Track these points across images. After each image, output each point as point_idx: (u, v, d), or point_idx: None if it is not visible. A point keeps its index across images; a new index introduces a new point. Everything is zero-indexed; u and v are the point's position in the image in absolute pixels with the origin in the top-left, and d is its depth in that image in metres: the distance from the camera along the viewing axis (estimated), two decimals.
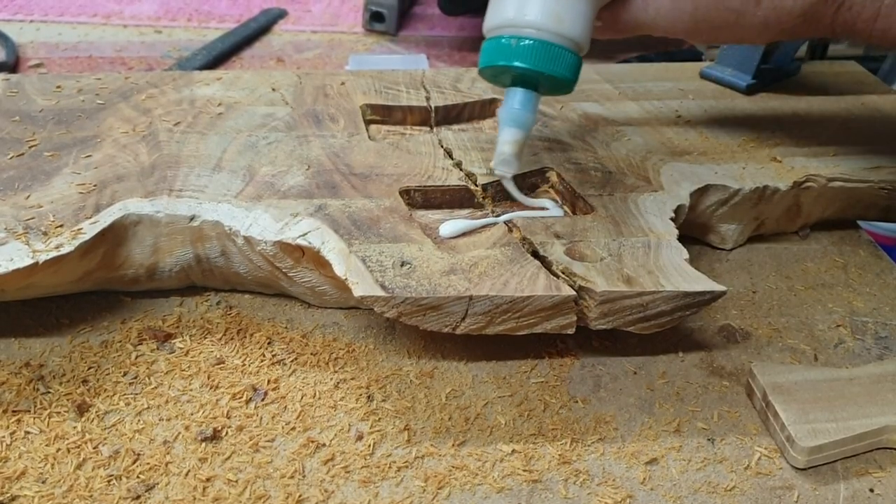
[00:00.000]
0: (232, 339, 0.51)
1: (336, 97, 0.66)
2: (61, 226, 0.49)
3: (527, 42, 0.49)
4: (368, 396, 0.47)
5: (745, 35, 0.52)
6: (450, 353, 0.51)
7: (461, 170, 0.57)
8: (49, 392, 0.46)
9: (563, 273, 0.48)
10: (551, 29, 0.49)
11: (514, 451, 0.45)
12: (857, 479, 0.44)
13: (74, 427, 0.44)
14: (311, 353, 0.50)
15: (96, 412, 0.45)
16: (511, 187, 0.53)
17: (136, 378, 0.48)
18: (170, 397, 0.47)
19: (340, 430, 0.45)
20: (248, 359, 0.49)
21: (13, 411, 0.45)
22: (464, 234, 0.52)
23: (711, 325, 0.54)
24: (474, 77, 0.71)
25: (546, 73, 0.49)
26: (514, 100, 0.51)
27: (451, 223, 0.52)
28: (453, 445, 0.45)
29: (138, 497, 0.41)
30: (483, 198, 0.56)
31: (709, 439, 0.46)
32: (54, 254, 0.47)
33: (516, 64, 0.49)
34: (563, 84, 0.51)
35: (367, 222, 0.50)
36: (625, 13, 0.52)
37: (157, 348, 0.50)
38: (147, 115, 0.62)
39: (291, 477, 0.42)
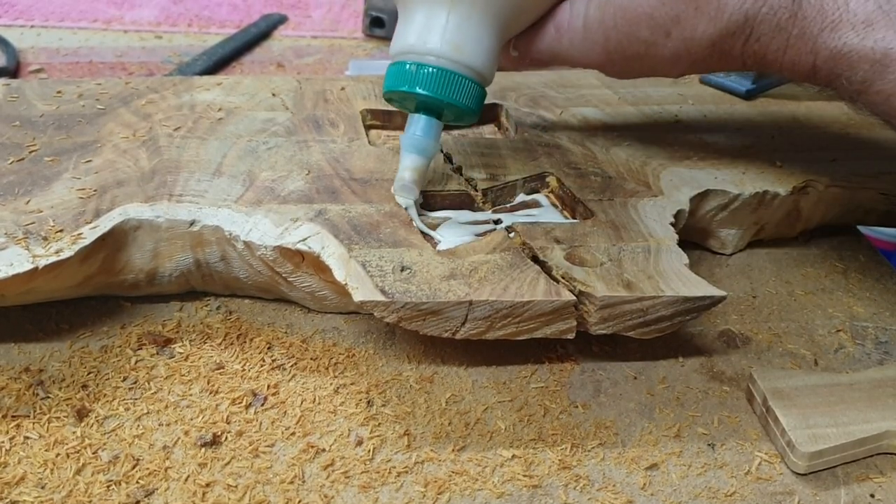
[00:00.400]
0: (232, 344, 0.51)
1: (336, 102, 0.66)
2: (61, 231, 0.49)
3: (428, 70, 0.50)
4: (368, 401, 0.47)
5: (657, 67, 0.52)
6: (450, 358, 0.51)
7: (461, 174, 0.57)
8: (48, 397, 0.46)
9: (563, 278, 0.48)
10: (452, 58, 0.49)
11: (514, 456, 0.45)
12: (857, 484, 0.44)
13: (74, 432, 0.44)
14: (311, 358, 0.50)
15: (96, 417, 0.45)
16: (413, 214, 0.53)
17: (135, 383, 0.48)
18: (169, 402, 0.47)
19: (340, 435, 0.45)
20: (247, 364, 0.49)
21: (13, 416, 0.45)
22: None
23: (711, 331, 0.54)
24: None
25: (446, 102, 0.50)
26: (417, 127, 0.52)
27: (449, 239, 0.51)
28: (453, 450, 0.45)
29: (138, 502, 0.41)
30: (483, 202, 0.56)
31: (709, 444, 0.46)
32: (54, 259, 0.47)
33: (418, 90, 0.50)
34: (464, 113, 0.52)
35: (367, 227, 0.50)
36: (539, 42, 0.53)
37: (157, 353, 0.50)
38: (147, 120, 0.62)
39: (291, 482, 0.42)
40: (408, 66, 0.50)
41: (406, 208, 0.53)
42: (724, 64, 0.50)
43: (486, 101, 0.66)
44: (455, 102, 0.50)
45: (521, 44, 0.54)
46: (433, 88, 0.50)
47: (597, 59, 0.52)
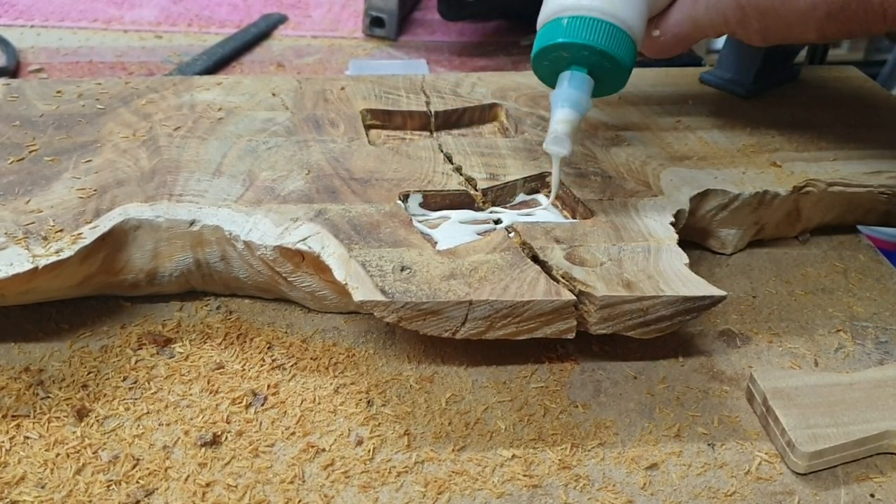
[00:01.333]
0: (232, 343, 0.51)
1: (336, 102, 0.66)
2: (61, 231, 0.49)
3: (588, 20, 0.49)
4: (368, 401, 0.47)
5: (793, 24, 0.51)
6: (450, 357, 0.51)
7: (461, 174, 0.57)
8: (49, 397, 0.46)
9: (563, 278, 0.48)
10: (609, 11, 0.49)
11: (514, 456, 0.45)
12: (857, 484, 0.44)
13: (74, 432, 0.44)
14: (311, 358, 0.50)
15: (96, 417, 0.45)
16: (556, 170, 0.53)
17: (135, 383, 0.48)
18: (169, 402, 0.47)
19: (340, 435, 0.45)
20: (247, 364, 0.49)
21: (13, 416, 0.45)
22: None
23: (711, 330, 0.54)
24: (474, 82, 0.71)
25: (605, 51, 0.49)
26: (570, 81, 0.51)
27: (448, 239, 0.51)
28: (453, 450, 0.45)
29: (138, 502, 0.41)
30: (483, 202, 0.56)
31: (709, 444, 0.46)
32: (54, 259, 0.47)
33: (576, 40, 0.49)
34: (619, 68, 0.51)
35: (367, 227, 0.50)
36: (677, 13, 0.54)
37: (157, 353, 0.50)
38: (147, 120, 0.62)
39: (291, 482, 0.42)
40: (565, 20, 0.50)
41: (554, 160, 0.53)
42: (862, 14, 0.49)
43: (486, 101, 0.66)
44: (613, 53, 0.49)
45: (661, 21, 0.55)
46: (592, 37, 0.49)
47: (733, 18, 0.52)
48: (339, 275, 0.46)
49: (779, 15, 0.51)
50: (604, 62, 0.50)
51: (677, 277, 0.48)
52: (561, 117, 0.51)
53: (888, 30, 0.49)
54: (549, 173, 0.58)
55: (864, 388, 0.47)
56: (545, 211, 0.56)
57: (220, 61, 0.89)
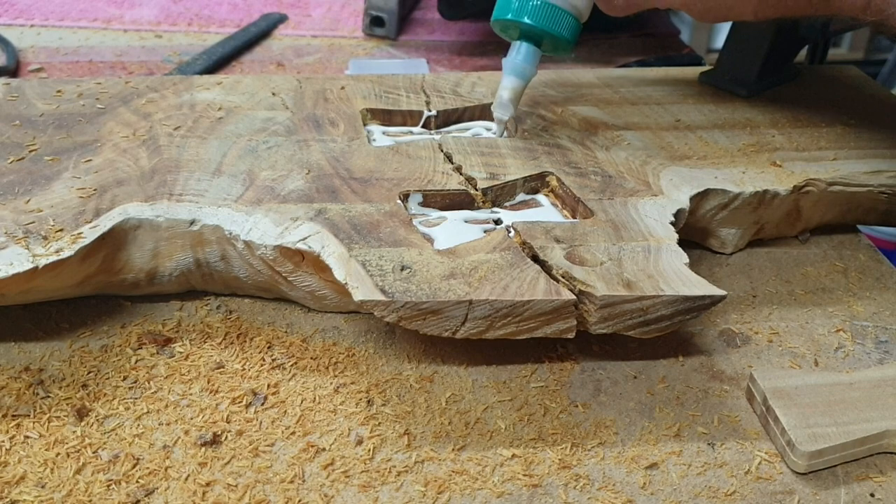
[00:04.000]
0: (232, 343, 0.51)
1: (336, 101, 0.66)
2: (61, 230, 0.49)
3: (533, 2, 0.58)
4: (368, 401, 0.47)
5: (731, 2, 0.56)
6: (450, 357, 0.51)
7: (461, 174, 0.57)
8: (49, 396, 0.46)
9: (563, 277, 0.47)
10: None
11: (514, 455, 0.45)
12: (857, 483, 0.44)
13: (74, 431, 0.44)
14: (311, 358, 0.50)
15: (96, 417, 0.45)
16: (499, 128, 0.63)
17: (135, 382, 0.48)
18: (169, 402, 0.47)
19: (340, 434, 0.45)
20: (247, 363, 0.49)
21: (13, 416, 0.45)
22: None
23: (711, 330, 0.54)
24: (474, 81, 0.71)
25: (548, 32, 0.58)
26: (518, 52, 0.61)
27: (448, 238, 0.52)
28: (453, 450, 0.45)
29: (138, 502, 0.41)
30: (482, 201, 0.56)
31: (709, 444, 0.46)
32: (54, 258, 0.47)
33: (524, 20, 0.58)
34: (561, 43, 0.59)
35: (367, 227, 0.50)
36: None
37: (157, 353, 0.50)
38: (147, 119, 0.62)
39: (291, 482, 0.42)
40: (515, 1, 0.59)
41: (497, 123, 0.63)
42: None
43: (486, 101, 0.66)
44: (554, 32, 0.58)
45: None
46: (536, 18, 0.58)
47: None
48: (339, 274, 0.46)
49: None
50: (546, 37, 0.59)
51: (677, 277, 0.48)
52: (507, 84, 0.61)
53: (815, 13, 0.53)
54: (550, 172, 0.58)
55: (864, 388, 0.47)
56: (544, 209, 0.56)
57: (220, 61, 0.89)
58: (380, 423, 0.46)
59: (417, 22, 1.03)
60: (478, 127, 0.67)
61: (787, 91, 0.73)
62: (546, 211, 0.56)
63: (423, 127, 0.66)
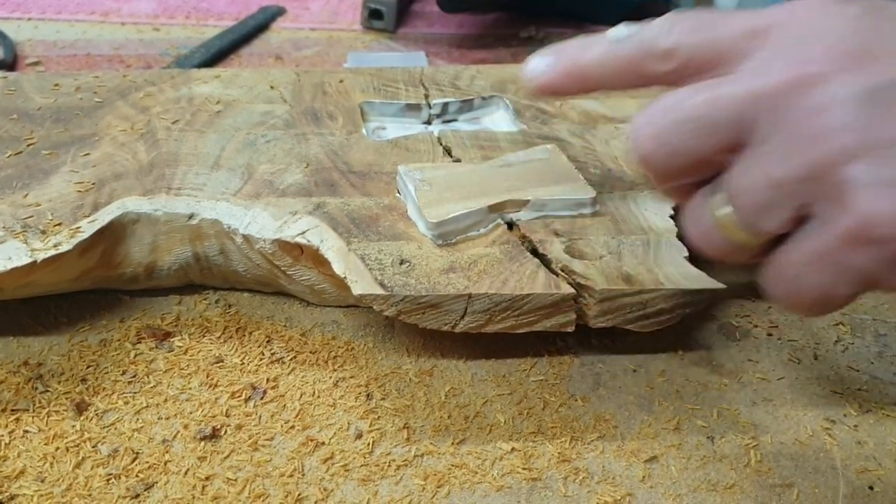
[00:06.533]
0: (231, 337, 0.51)
1: (335, 95, 0.66)
2: (59, 224, 0.49)
3: None
4: (367, 395, 0.47)
5: None
6: (449, 351, 0.51)
7: None
8: (48, 391, 0.46)
9: (563, 271, 0.47)
10: None
11: (513, 449, 0.45)
12: (856, 476, 0.44)
13: (73, 426, 0.44)
14: (310, 352, 0.50)
15: (95, 411, 0.45)
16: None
17: (134, 377, 0.48)
18: (169, 396, 0.47)
19: (340, 428, 0.45)
20: (246, 357, 0.49)
21: (12, 410, 0.45)
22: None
23: (711, 323, 0.54)
24: (473, 74, 0.71)
25: None
26: None
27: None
28: (453, 444, 0.45)
29: (137, 496, 0.41)
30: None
31: (708, 437, 0.46)
32: (52, 252, 0.47)
33: None
34: None
35: (366, 220, 0.50)
36: None
37: (156, 347, 0.50)
38: (145, 113, 0.61)
39: (290, 475, 0.42)
40: None
41: None
42: None
43: (485, 94, 0.66)
44: None
45: None
46: None
47: None
48: (338, 268, 0.46)
49: None
50: None
51: (677, 271, 0.48)
52: None
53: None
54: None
55: (495, 171, 0.53)
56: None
57: (218, 54, 0.88)
58: (379, 417, 0.46)
59: (416, 15, 1.03)
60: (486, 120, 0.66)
61: None
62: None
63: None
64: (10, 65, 0.83)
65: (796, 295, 0.36)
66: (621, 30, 0.40)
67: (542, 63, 0.42)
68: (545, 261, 0.48)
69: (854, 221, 0.32)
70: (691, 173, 0.38)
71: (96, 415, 0.45)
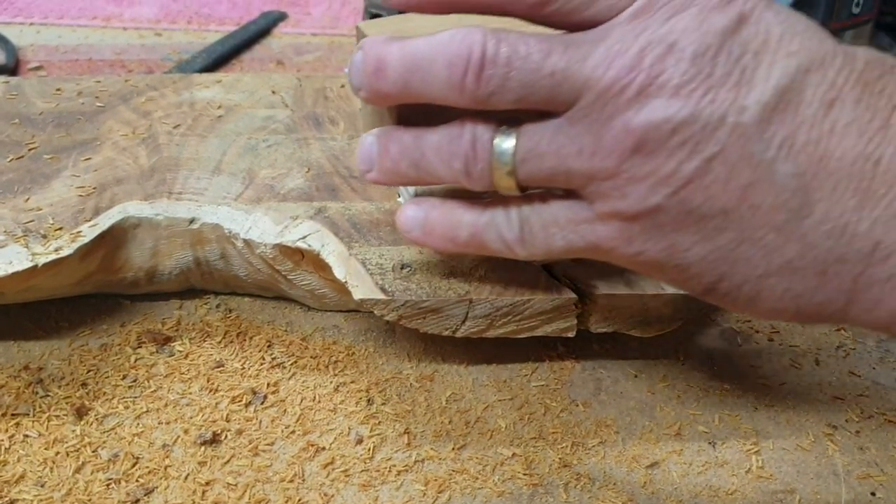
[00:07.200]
0: (231, 342, 0.51)
1: (336, 100, 0.66)
2: (60, 229, 0.49)
3: None
4: (368, 400, 0.47)
5: None
6: (450, 356, 0.50)
7: None
8: (48, 395, 0.46)
9: (564, 276, 0.47)
10: None
11: (514, 454, 0.44)
12: (858, 482, 0.44)
13: (73, 430, 0.44)
14: (311, 357, 0.50)
15: (95, 415, 0.45)
16: None
17: (135, 381, 0.47)
18: (169, 401, 0.46)
19: (340, 433, 0.45)
20: (247, 362, 0.49)
21: (12, 415, 0.45)
22: None
23: (712, 328, 0.54)
24: None
25: None
26: None
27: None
28: (453, 449, 0.45)
29: (137, 501, 0.41)
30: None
31: (710, 443, 0.46)
32: (53, 257, 0.46)
33: None
34: None
35: (367, 225, 0.50)
36: None
37: (157, 351, 0.50)
38: (147, 117, 0.61)
39: (291, 481, 0.42)
40: None
41: None
42: None
43: None
44: None
45: None
46: None
47: None
48: (338, 273, 0.46)
49: None
50: None
51: None
52: None
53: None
54: None
55: None
56: None
57: (219, 59, 0.89)
58: (380, 422, 0.46)
59: None
60: None
61: None
62: None
63: None
64: (12, 69, 0.83)
65: (527, 243, 0.40)
66: None
67: None
68: (546, 265, 0.48)
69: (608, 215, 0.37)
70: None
71: (96, 419, 0.45)
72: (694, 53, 0.34)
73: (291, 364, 0.49)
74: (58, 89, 0.66)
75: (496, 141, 0.38)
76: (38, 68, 0.85)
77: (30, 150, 0.57)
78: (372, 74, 0.39)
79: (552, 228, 0.39)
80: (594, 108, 0.35)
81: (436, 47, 0.37)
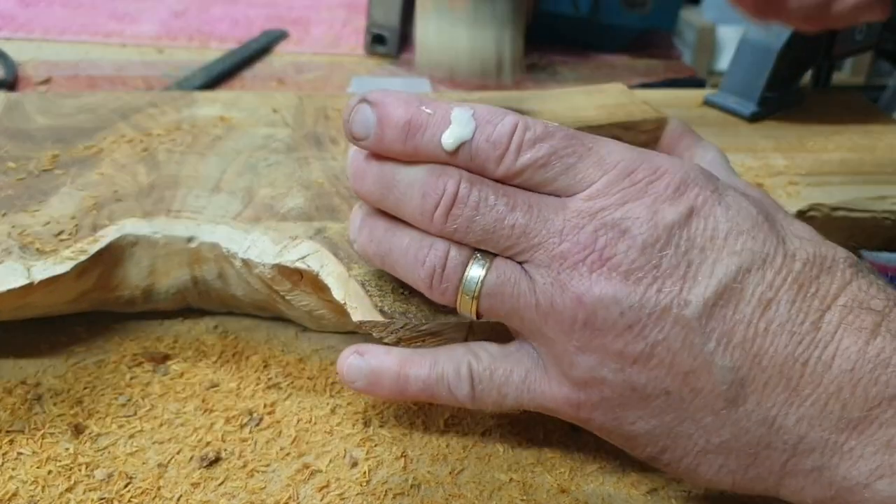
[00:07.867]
0: (227, 362, 0.50)
1: (337, 119, 0.66)
2: (57, 246, 0.49)
3: None
4: (365, 422, 0.47)
5: None
6: None
7: None
8: (43, 412, 0.46)
9: None
10: None
11: (511, 479, 0.44)
12: None
13: (67, 449, 0.44)
14: (308, 378, 0.50)
15: (90, 434, 0.45)
16: None
17: (129, 400, 0.47)
18: (164, 420, 0.46)
19: (336, 456, 0.45)
20: (243, 382, 0.49)
21: (7, 431, 0.44)
22: None
23: None
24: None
25: None
26: None
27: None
28: (451, 473, 0.44)
29: None
30: None
31: None
32: (50, 274, 0.46)
33: None
34: None
35: None
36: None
37: (152, 370, 0.49)
38: (146, 134, 0.61)
39: (286, 503, 0.42)
40: None
41: None
42: None
43: None
44: None
45: None
46: None
47: None
48: (337, 294, 0.46)
49: None
50: None
51: None
52: None
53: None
54: None
55: None
56: None
57: (220, 76, 0.89)
58: (376, 445, 0.46)
59: None
60: None
61: (791, 114, 0.73)
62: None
63: None
64: (12, 85, 0.83)
65: (478, 400, 0.43)
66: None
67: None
68: None
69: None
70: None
71: (90, 438, 0.45)
72: (643, 243, 0.36)
73: (288, 385, 0.49)
74: (57, 105, 0.66)
75: (469, 266, 0.40)
76: (38, 84, 0.85)
77: (28, 165, 0.57)
78: (352, 177, 0.42)
79: (504, 388, 0.41)
80: (550, 271, 0.38)
81: (417, 174, 0.39)
